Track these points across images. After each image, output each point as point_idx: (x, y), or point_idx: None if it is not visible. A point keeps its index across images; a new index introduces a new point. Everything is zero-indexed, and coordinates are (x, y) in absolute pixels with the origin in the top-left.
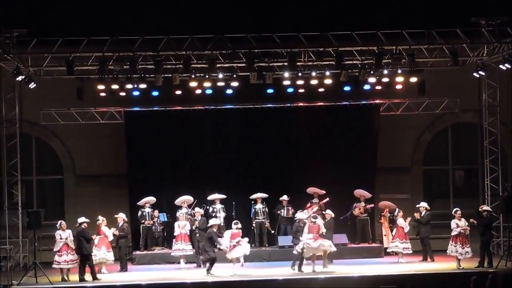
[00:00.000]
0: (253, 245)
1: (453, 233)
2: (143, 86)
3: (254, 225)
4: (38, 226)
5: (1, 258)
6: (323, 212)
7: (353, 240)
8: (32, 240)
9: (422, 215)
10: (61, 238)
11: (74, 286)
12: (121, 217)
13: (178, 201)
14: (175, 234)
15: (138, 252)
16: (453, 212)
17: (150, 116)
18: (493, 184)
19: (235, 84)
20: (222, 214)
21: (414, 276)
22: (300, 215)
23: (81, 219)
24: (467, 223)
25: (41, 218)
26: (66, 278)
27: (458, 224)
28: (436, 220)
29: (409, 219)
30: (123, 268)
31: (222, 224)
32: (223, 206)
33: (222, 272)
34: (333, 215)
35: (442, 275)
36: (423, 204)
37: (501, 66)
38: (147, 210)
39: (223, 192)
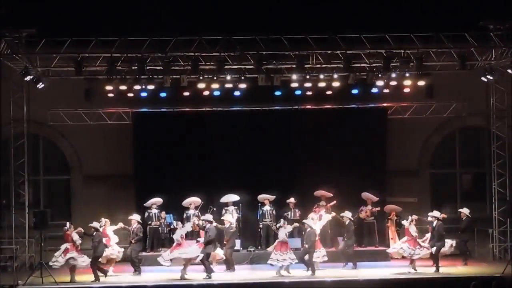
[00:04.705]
0: (259, 247)
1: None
2: (151, 87)
3: (261, 227)
4: (44, 226)
5: (8, 258)
6: (341, 215)
7: (359, 243)
8: (39, 240)
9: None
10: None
11: (79, 287)
12: (135, 219)
13: (185, 202)
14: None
15: (144, 253)
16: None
17: (158, 117)
18: (500, 189)
19: (243, 86)
20: (235, 216)
21: (421, 280)
22: (309, 221)
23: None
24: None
25: (48, 218)
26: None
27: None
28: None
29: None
30: (137, 271)
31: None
32: (236, 207)
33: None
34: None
35: (449, 280)
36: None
37: (509, 71)
38: (154, 211)
39: (229, 193)
